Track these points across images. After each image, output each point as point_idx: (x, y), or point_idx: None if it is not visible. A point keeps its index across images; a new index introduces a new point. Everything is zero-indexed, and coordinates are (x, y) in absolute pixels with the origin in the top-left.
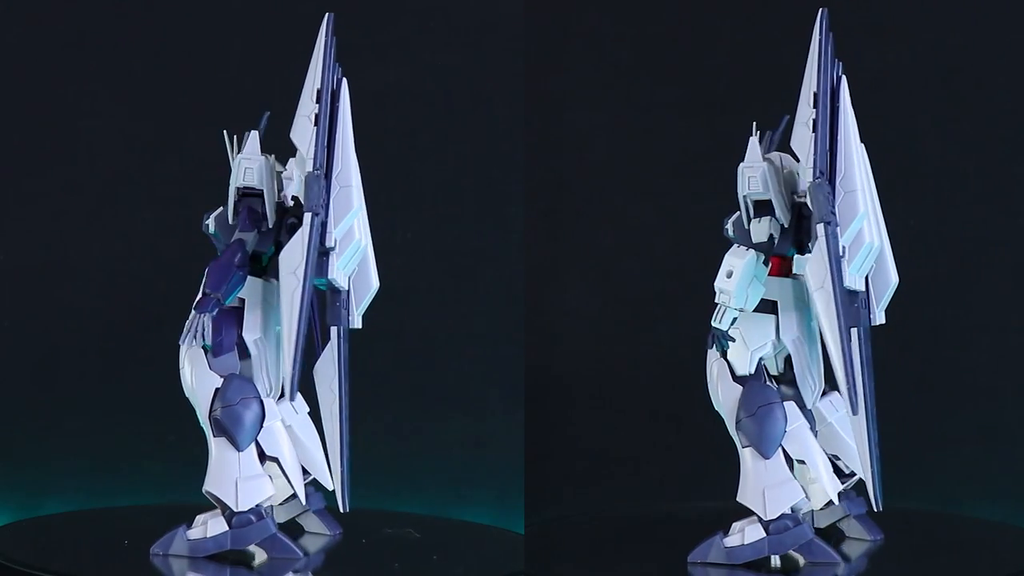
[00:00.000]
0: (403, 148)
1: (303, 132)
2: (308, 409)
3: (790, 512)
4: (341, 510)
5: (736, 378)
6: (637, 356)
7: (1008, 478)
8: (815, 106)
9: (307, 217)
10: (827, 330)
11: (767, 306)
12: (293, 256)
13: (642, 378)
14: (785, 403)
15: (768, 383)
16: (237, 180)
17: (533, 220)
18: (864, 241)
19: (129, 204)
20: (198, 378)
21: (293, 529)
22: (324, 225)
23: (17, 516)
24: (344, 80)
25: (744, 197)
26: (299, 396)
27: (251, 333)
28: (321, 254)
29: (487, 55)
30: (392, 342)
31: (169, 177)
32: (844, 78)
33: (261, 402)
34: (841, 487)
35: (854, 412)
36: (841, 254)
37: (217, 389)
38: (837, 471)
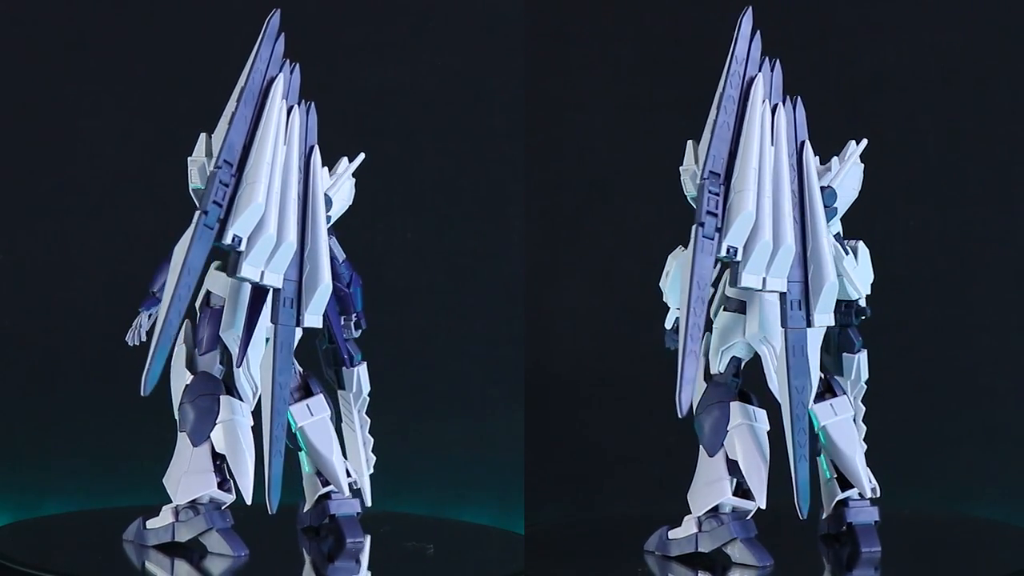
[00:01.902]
0: (403, 148)
1: (219, 131)
2: (329, 412)
3: (730, 511)
4: (269, 511)
5: (709, 375)
6: (637, 356)
7: (1008, 478)
8: (717, 108)
9: (196, 214)
10: (680, 330)
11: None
12: (178, 253)
13: (642, 378)
14: (732, 403)
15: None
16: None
17: (533, 220)
18: (760, 240)
19: (129, 204)
20: (174, 375)
21: (322, 534)
22: (224, 222)
23: (17, 516)
24: (280, 77)
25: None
26: (318, 398)
27: (227, 331)
28: (230, 252)
29: (487, 55)
30: (392, 342)
31: (169, 177)
32: (759, 77)
33: (219, 399)
34: (831, 498)
35: (679, 415)
36: (729, 255)
37: (187, 386)
38: (841, 479)
